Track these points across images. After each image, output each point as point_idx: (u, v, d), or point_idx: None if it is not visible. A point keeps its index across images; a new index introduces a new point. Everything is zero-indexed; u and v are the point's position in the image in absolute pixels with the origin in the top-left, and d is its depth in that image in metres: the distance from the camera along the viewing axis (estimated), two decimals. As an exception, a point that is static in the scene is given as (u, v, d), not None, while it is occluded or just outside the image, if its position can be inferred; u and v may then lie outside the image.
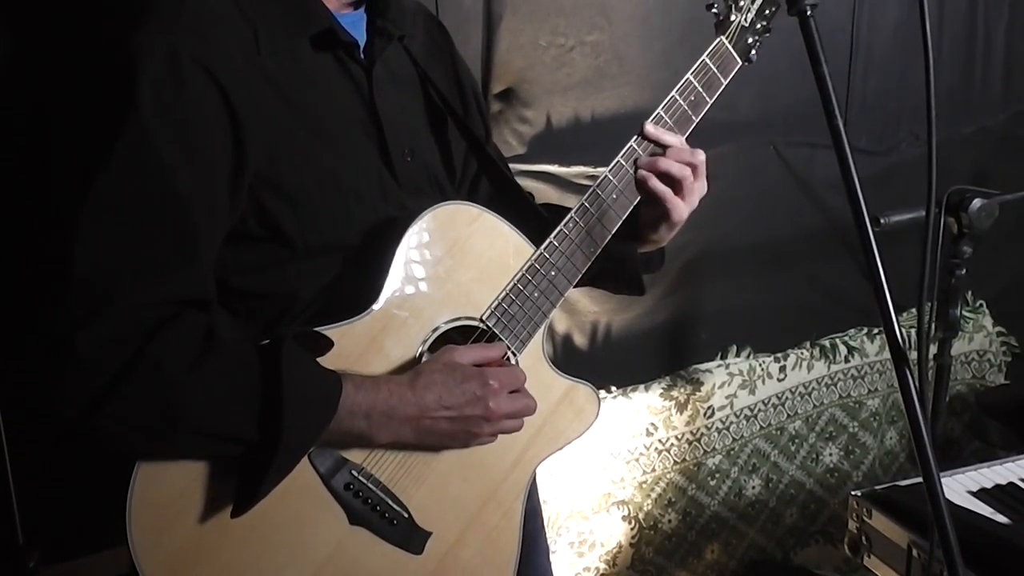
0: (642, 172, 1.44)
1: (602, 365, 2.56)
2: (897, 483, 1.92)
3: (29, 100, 1.65)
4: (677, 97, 1.48)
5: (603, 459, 2.58)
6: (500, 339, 1.38)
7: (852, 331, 2.98)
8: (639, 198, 1.47)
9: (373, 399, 1.25)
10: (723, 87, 1.52)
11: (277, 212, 1.26)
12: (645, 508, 2.67)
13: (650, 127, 1.45)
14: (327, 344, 1.25)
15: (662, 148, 1.46)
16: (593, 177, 2.37)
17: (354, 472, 1.29)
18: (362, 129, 1.35)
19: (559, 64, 2.31)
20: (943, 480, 1.25)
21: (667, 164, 1.44)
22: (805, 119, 2.64)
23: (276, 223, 1.26)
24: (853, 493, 1.88)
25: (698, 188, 1.47)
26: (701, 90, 1.49)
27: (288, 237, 1.27)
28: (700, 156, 1.46)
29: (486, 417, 1.31)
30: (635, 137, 1.46)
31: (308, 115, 1.27)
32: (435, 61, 1.51)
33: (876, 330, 3.00)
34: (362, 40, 1.37)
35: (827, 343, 2.93)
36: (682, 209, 1.46)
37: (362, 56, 1.36)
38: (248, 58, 1.23)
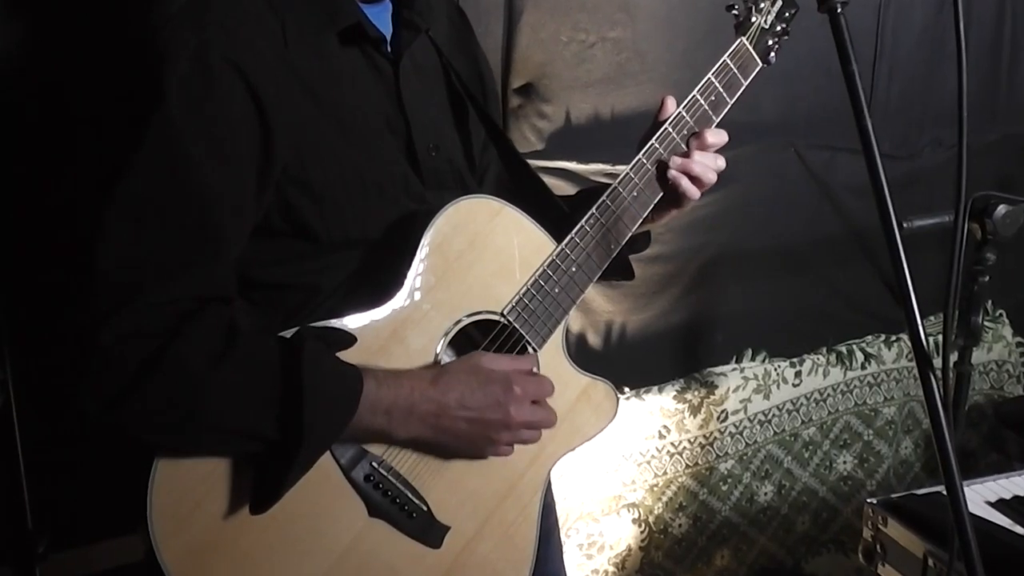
0: (674, 173, 1.48)
1: (616, 366, 2.57)
2: (913, 492, 1.94)
3: (54, 95, 1.67)
4: (698, 97, 1.52)
5: (614, 461, 2.59)
6: (520, 333, 1.40)
7: (869, 338, 2.99)
8: (659, 196, 1.51)
9: (395, 395, 1.26)
10: (743, 88, 1.55)
11: (302, 208, 1.28)
12: (656, 511, 2.68)
13: (710, 135, 1.50)
14: (349, 339, 1.27)
15: (686, 148, 1.50)
16: (611, 175, 2.42)
17: (374, 464, 1.31)
18: (388, 124, 1.36)
19: (580, 60, 2.33)
20: (962, 489, 1.26)
21: (701, 169, 1.49)
22: (827, 122, 2.66)
23: (301, 219, 1.28)
24: (869, 501, 1.90)
25: (711, 177, 1.53)
26: (722, 91, 1.53)
27: (312, 232, 1.29)
28: (721, 162, 1.52)
29: (505, 423, 1.32)
30: (655, 137, 1.50)
31: (335, 111, 1.29)
32: (457, 49, 1.53)
33: (894, 337, 3.01)
34: (388, 32, 1.39)
35: (844, 349, 2.94)
36: (695, 200, 1.53)
37: (388, 50, 1.38)
38: (276, 54, 1.24)
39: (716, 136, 1.52)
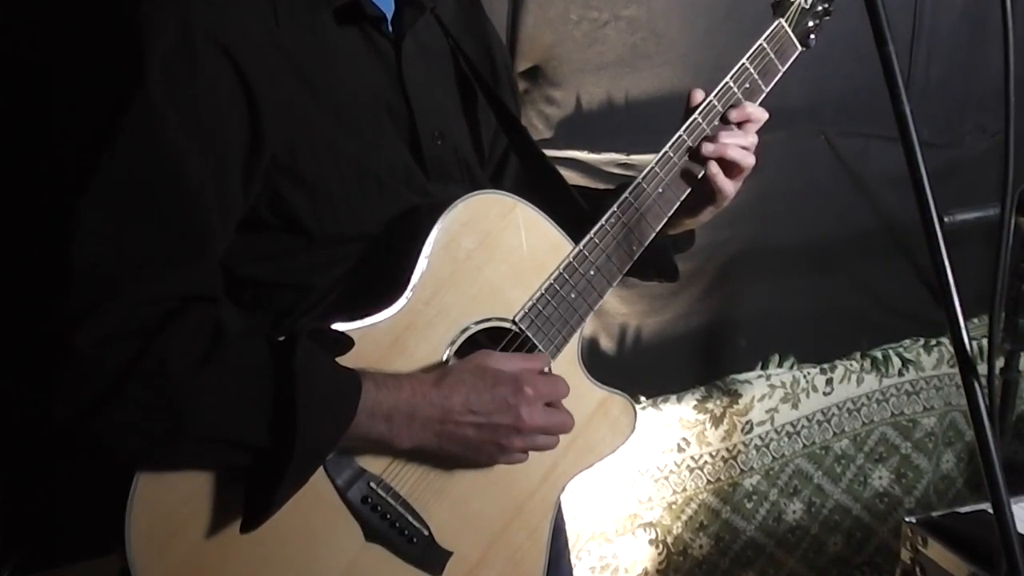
0: (713, 168, 1.48)
1: (630, 372, 2.57)
2: (955, 510, 1.94)
3: (23, 76, 1.67)
4: (731, 84, 1.51)
5: (629, 476, 2.60)
6: (532, 342, 1.40)
7: (907, 342, 3.00)
8: (686, 193, 1.50)
9: (395, 399, 1.26)
10: (780, 74, 1.55)
11: (293, 200, 1.28)
12: (674, 531, 2.69)
13: (750, 108, 1.49)
14: (347, 344, 1.27)
15: (714, 134, 1.50)
16: (626, 165, 2.42)
17: (372, 484, 1.31)
18: (388, 110, 1.36)
19: (591, 41, 2.33)
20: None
21: (737, 152, 1.48)
22: (860, 107, 2.66)
23: (291, 212, 1.28)
24: (907, 519, 1.90)
25: (751, 160, 1.53)
26: (757, 77, 1.52)
27: (304, 226, 1.29)
28: (753, 138, 1.51)
29: (517, 428, 1.32)
30: (684, 127, 1.49)
31: (330, 95, 1.29)
32: (465, 30, 1.53)
33: (934, 341, 3.01)
34: (389, 11, 1.39)
35: (879, 354, 2.94)
36: (731, 193, 1.52)
37: (390, 29, 1.38)
38: (266, 33, 1.24)
39: (756, 111, 1.52)
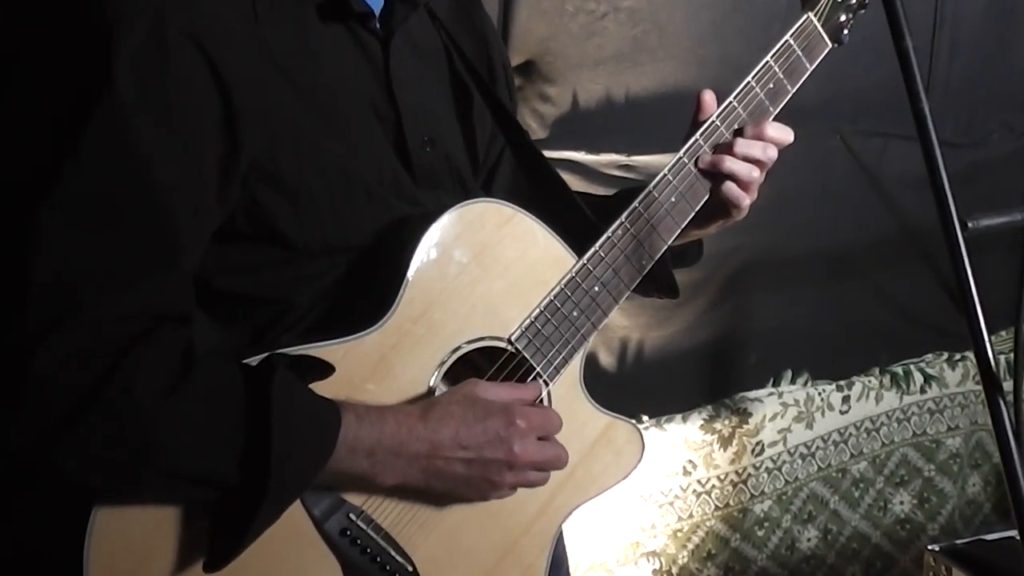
0: (727, 184, 1.48)
1: (632, 390, 2.57)
2: (982, 537, 1.94)
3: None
4: (753, 85, 1.50)
5: (631, 502, 2.59)
6: (530, 363, 1.40)
7: (929, 356, 3.00)
8: (702, 202, 1.50)
9: (378, 434, 1.26)
10: (808, 74, 1.54)
11: (273, 208, 1.27)
12: (680, 561, 2.68)
13: (770, 129, 1.49)
14: (326, 368, 1.27)
15: (728, 143, 1.50)
16: (627, 167, 2.42)
17: (352, 516, 1.30)
18: (375, 113, 1.36)
19: (588, 33, 2.33)
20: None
21: (738, 166, 1.48)
22: (878, 105, 2.67)
23: (272, 221, 1.28)
24: (930, 548, 1.91)
25: (760, 180, 1.52)
26: (782, 77, 1.51)
27: (284, 237, 1.29)
28: (772, 152, 1.50)
29: (509, 463, 1.31)
30: (700, 131, 1.49)
31: (313, 97, 1.29)
32: (461, 26, 1.53)
33: (958, 356, 3.02)
34: (378, 6, 1.38)
35: (899, 370, 2.95)
36: (747, 208, 1.52)
37: (378, 26, 1.37)
38: (245, 28, 1.24)
39: (778, 131, 1.51)
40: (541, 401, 1.41)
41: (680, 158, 1.48)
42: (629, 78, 2.39)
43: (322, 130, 1.29)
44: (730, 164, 1.48)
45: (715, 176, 1.49)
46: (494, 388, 1.35)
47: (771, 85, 1.51)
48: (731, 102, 1.49)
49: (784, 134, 1.52)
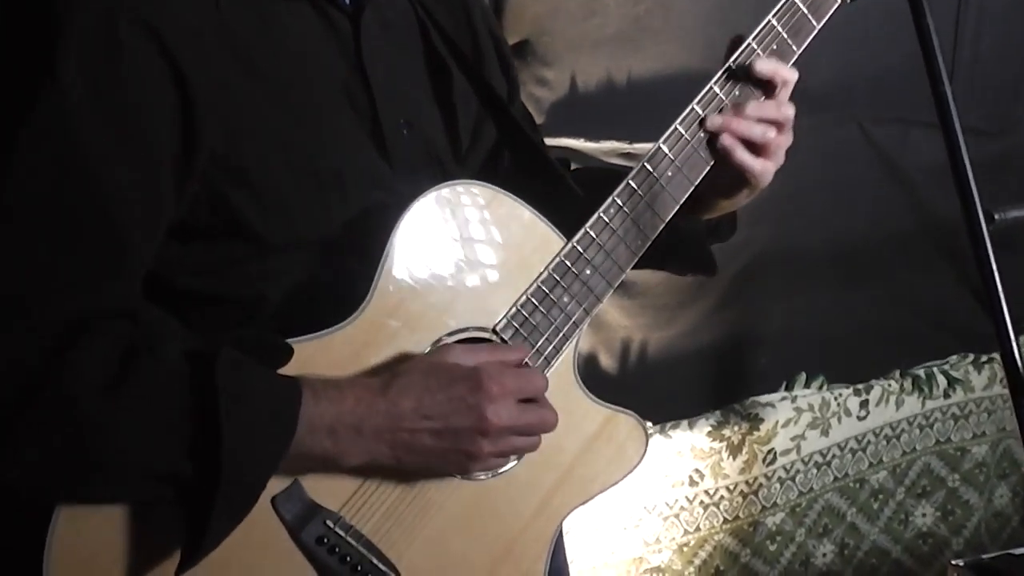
0: (726, 141, 1.44)
1: (635, 395, 2.51)
2: (1010, 552, 1.94)
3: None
4: (755, 46, 1.47)
5: (634, 514, 2.59)
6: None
7: (953, 358, 3.00)
8: (702, 176, 1.48)
9: (337, 410, 1.25)
10: (815, 33, 1.51)
11: (237, 203, 1.27)
12: (686, 578, 2.68)
13: (761, 64, 1.45)
14: (284, 350, 1.26)
15: (734, 105, 1.47)
16: (628, 155, 2.42)
17: (329, 522, 1.30)
18: (346, 96, 1.36)
19: (588, 12, 2.33)
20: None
21: (747, 127, 1.45)
22: (898, 90, 2.66)
23: (235, 216, 1.28)
24: (954, 563, 1.91)
25: (785, 143, 1.49)
26: (786, 37, 1.48)
27: (250, 231, 1.29)
28: (789, 111, 1.48)
29: (481, 430, 1.29)
30: (697, 98, 1.47)
31: (278, 81, 1.29)
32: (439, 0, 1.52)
33: (984, 358, 3.02)
34: None
35: (921, 373, 2.95)
36: (769, 173, 1.49)
37: (347, 1, 1.37)
38: (202, 12, 1.24)
39: (783, 70, 1.46)
40: (527, 365, 1.39)
41: (675, 128, 1.45)
42: (631, 60, 2.39)
43: (287, 117, 1.29)
44: (740, 126, 1.45)
45: (727, 142, 1.45)
46: (465, 352, 1.32)
47: (774, 46, 1.49)
48: (728, 66, 1.47)
49: (790, 72, 1.47)
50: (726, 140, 1.44)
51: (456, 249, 1.36)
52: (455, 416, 1.29)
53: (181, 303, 1.30)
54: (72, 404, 1.15)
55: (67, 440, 1.15)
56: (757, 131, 1.46)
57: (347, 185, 1.34)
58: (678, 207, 1.48)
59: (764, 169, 1.48)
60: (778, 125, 1.47)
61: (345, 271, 1.34)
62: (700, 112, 1.46)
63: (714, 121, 1.45)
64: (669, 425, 2.63)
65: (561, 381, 1.43)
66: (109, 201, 1.19)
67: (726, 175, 1.49)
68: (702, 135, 1.46)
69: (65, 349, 1.15)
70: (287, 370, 1.26)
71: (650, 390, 2.60)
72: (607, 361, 2.56)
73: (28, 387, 1.14)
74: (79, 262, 1.19)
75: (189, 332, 1.30)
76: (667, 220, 1.47)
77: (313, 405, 1.24)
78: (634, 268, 1.48)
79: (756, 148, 1.47)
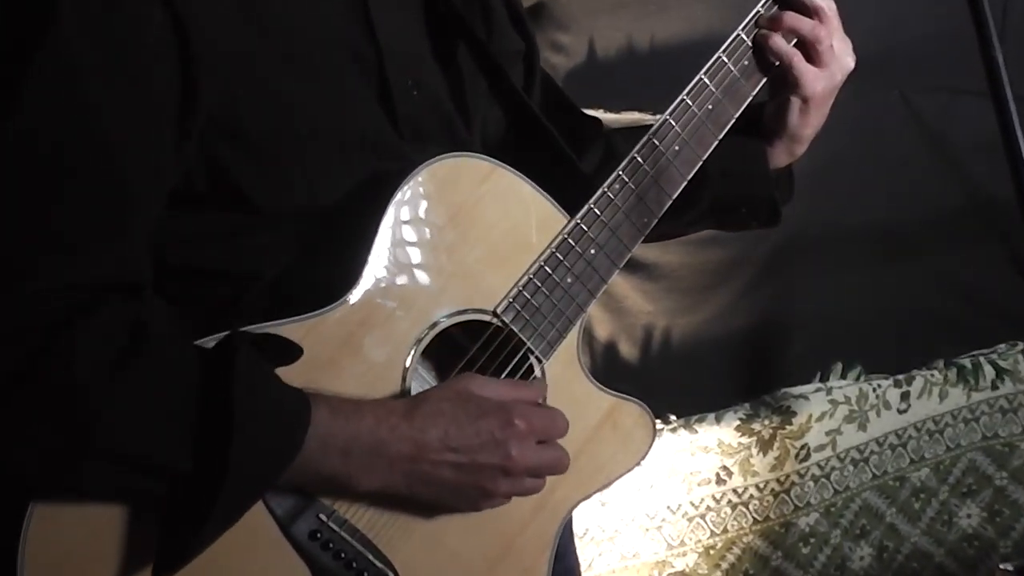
0: (780, 46, 1.48)
1: (658, 386, 2.58)
2: (1061, 554, 1.94)
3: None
4: (762, 11, 1.51)
5: (657, 514, 2.59)
6: (519, 338, 1.40)
7: (1002, 347, 2.99)
8: (711, 148, 1.50)
9: (355, 429, 1.26)
10: None
11: (235, 167, 1.28)
12: (712, 583, 2.68)
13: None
14: (294, 350, 1.27)
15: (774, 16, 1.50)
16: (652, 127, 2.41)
17: (323, 516, 1.30)
18: (352, 54, 1.36)
19: (607, -29, 2.34)
20: None
21: (796, 20, 1.48)
22: (942, 56, 2.65)
23: (233, 182, 1.28)
24: (1002, 567, 1.91)
25: (838, 51, 1.52)
26: None
27: (247, 199, 1.29)
28: (836, 22, 1.51)
29: (504, 469, 1.31)
30: (705, 68, 1.48)
31: (282, 38, 1.29)
32: None
33: (1034, 347, 3.00)
34: None
35: (967, 363, 2.94)
36: (815, 81, 1.51)
37: None
38: None
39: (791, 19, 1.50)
40: (544, 401, 1.41)
41: (683, 100, 1.47)
42: (654, 23, 2.40)
43: (289, 76, 1.30)
44: (791, 21, 1.48)
45: (780, 47, 1.49)
46: (492, 384, 1.35)
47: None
48: (738, 34, 1.50)
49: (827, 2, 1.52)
50: (778, 44, 1.48)
51: (452, 225, 1.36)
52: (482, 452, 1.30)
53: (171, 278, 1.31)
54: (73, 378, 1.16)
55: (64, 415, 1.16)
56: (807, 26, 1.49)
57: (351, 149, 1.35)
58: (685, 183, 1.49)
59: (807, 72, 1.51)
60: (823, 16, 1.50)
61: (340, 247, 1.34)
62: (708, 83, 1.48)
63: (761, 37, 1.49)
64: (695, 418, 2.63)
65: (564, 367, 1.44)
66: (111, 154, 1.20)
67: (773, 106, 1.54)
68: (710, 107, 1.48)
69: (70, 318, 1.16)
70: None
71: (674, 381, 2.62)
72: (628, 349, 2.57)
73: (23, 359, 1.14)
74: (83, 223, 1.20)
75: (172, 310, 1.30)
76: (674, 196, 1.49)
77: (328, 422, 1.25)
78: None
79: (808, 51, 1.50)
